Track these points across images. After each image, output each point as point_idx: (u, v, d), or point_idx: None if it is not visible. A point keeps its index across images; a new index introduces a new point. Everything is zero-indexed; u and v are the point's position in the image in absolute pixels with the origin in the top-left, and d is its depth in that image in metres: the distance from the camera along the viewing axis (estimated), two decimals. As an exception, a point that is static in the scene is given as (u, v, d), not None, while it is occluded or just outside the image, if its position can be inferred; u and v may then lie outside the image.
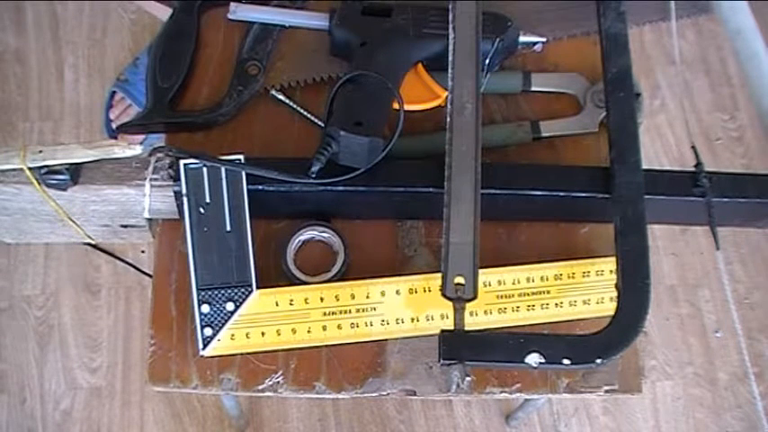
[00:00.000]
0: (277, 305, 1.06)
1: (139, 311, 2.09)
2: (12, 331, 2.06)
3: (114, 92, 2.16)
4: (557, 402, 2.03)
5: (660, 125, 2.33)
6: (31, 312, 2.08)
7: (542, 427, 2.02)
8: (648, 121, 2.31)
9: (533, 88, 1.23)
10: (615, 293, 0.99)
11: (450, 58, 1.10)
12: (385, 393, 1.08)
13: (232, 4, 1.24)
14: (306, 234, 1.11)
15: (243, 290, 1.06)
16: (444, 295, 0.97)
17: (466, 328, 0.95)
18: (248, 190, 1.06)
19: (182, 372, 1.07)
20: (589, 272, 1.10)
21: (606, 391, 1.09)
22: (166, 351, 1.08)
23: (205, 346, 1.05)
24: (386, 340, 1.09)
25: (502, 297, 1.09)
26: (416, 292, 1.08)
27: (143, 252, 2.14)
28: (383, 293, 1.08)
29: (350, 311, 1.07)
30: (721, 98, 2.40)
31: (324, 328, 1.07)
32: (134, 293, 2.11)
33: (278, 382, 1.07)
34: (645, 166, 1.07)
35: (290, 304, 1.06)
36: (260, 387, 1.07)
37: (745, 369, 2.04)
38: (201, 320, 1.05)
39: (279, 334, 1.06)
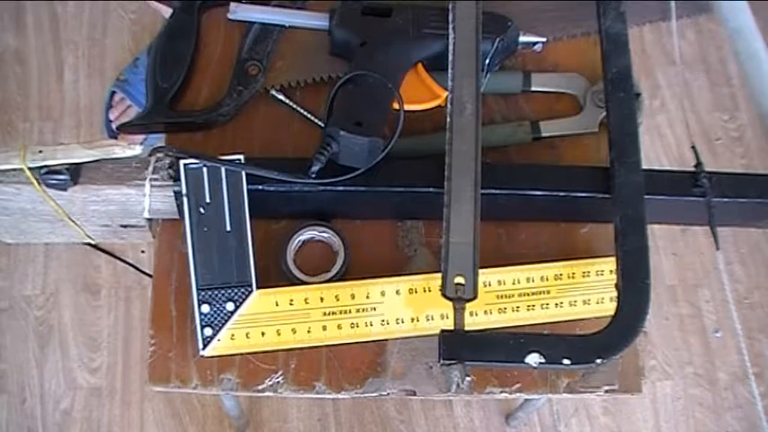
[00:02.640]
0: (277, 305, 1.06)
1: (139, 311, 2.09)
2: (12, 331, 2.07)
3: (114, 92, 2.17)
4: (557, 402, 2.03)
5: (660, 125, 2.34)
6: (31, 312, 2.08)
7: (542, 427, 2.02)
8: (648, 121, 2.31)
9: (533, 88, 1.23)
10: (615, 293, 0.99)
11: (450, 58, 1.10)
12: (385, 393, 1.08)
13: (232, 4, 1.24)
14: (306, 234, 1.11)
15: (243, 290, 1.06)
16: (444, 295, 0.97)
17: (466, 328, 0.96)
18: (248, 190, 1.06)
19: (182, 372, 1.07)
20: (589, 272, 1.10)
21: (606, 391, 1.09)
22: (166, 351, 1.08)
23: (205, 346, 1.05)
24: (386, 340, 1.09)
25: (502, 297, 1.09)
26: (416, 292, 1.08)
27: (143, 252, 2.14)
28: (383, 293, 1.08)
29: (350, 311, 1.07)
30: (721, 98, 2.40)
31: (324, 328, 1.07)
32: (134, 293, 2.11)
33: (278, 382, 1.07)
34: (645, 166, 1.08)
35: (290, 304, 1.06)
36: (260, 387, 1.07)
37: (745, 369, 2.04)
38: (201, 320, 1.05)
39: (279, 334, 1.06)
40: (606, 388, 1.09)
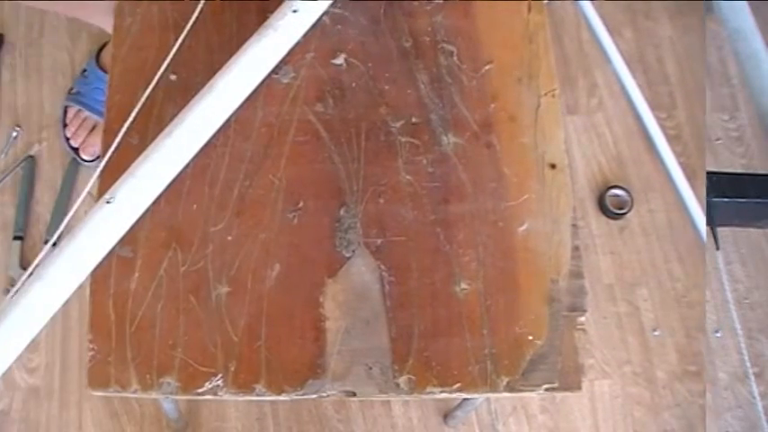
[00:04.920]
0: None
1: (77, 312, 2.07)
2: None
3: (66, 107, 2.14)
4: (494, 401, 2.03)
5: (598, 123, 2.34)
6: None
7: (480, 426, 2.02)
8: (586, 120, 2.32)
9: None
10: None
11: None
12: (324, 395, 1.08)
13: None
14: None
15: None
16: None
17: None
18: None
19: (121, 376, 1.06)
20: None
21: (546, 389, 1.10)
22: (105, 356, 1.07)
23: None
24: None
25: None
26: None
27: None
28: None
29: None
30: (721, 98, 2.41)
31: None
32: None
33: (218, 385, 1.06)
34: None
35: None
36: (199, 390, 1.06)
37: (746, 369, 2.05)
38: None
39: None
40: (546, 386, 1.10)
